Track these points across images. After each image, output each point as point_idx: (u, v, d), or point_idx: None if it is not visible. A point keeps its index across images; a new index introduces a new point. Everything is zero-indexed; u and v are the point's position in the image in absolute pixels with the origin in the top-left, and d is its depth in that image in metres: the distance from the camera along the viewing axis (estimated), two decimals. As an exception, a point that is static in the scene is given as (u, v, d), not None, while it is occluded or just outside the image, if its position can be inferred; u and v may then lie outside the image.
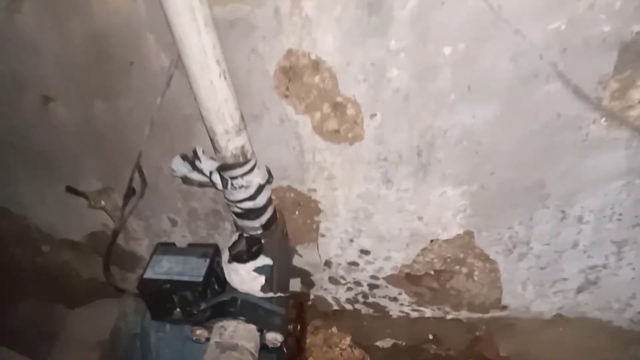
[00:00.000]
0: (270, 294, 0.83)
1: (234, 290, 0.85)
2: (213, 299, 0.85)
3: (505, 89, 0.72)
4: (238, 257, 0.84)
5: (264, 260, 0.86)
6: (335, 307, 1.21)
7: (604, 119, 0.73)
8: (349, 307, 1.19)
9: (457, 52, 0.69)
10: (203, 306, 0.88)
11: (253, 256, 0.84)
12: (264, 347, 0.82)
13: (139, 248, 1.18)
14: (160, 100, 0.79)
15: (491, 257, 0.98)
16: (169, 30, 0.65)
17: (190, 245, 0.98)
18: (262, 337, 0.80)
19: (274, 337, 0.79)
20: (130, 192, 0.89)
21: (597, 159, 0.77)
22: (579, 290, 1.00)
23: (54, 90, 0.88)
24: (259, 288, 0.82)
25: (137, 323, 1.00)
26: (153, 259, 0.94)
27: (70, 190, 0.93)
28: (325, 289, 1.16)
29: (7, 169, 1.06)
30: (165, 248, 0.96)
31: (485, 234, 0.94)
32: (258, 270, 0.84)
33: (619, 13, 0.62)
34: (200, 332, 0.81)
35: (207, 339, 0.82)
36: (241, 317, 0.79)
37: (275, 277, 0.88)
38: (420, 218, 0.94)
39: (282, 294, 0.87)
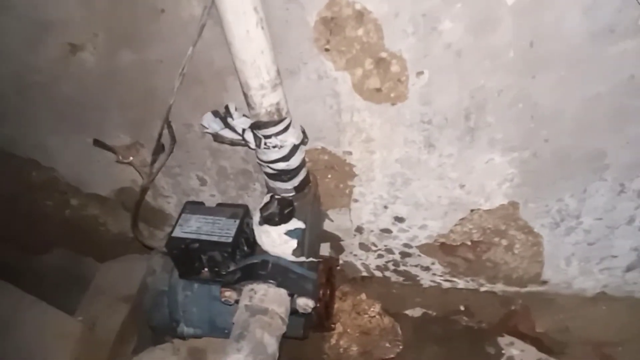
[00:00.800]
0: (302, 259, 0.80)
1: (264, 252, 0.82)
2: (243, 261, 0.82)
3: (573, 46, 0.64)
4: (270, 219, 0.80)
5: (296, 224, 0.82)
6: (364, 274, 1.18)
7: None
8: (378, 274, 1.16)
9: (522, 1, 0.62)
10: (232, 267, 0.85)
11: (285, 219, 0.81)
12: (293, 312, 0.79)
13: (167, 206, 1.16)
14: (192, 50, 0.74)
15: (535, 229, 0.92)
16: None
17: (219, 204, 0.95)
18: (292, 302, 0.78)
19: (305, 303, 0.77)
20: (159, 148, 0.86)
21: (668, 128, 0.70)
22: (629, 268, 0.94)
23: (81, 38, 0.83)
24: (291, 252, 0.79)
25: (165, 280, 0.98)
26: (182, 217, 0.91)
27: (98, 143, 0.90)
28: (355, 255, 1.13)
29: (34, 120, 1.03)
30: (194, 207, 0.93)
31: (531, 206, 0.88)
32: (290, 233, 0.81)
33: None
34: (229, 294, 0.79)
35: (236, 301, 0.80)
36: (271, 281, 0.76)
37: (306, 241, 0.84)
38: (462, 186, 0.88)
39: (313, 259, 0.84)
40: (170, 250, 0.89)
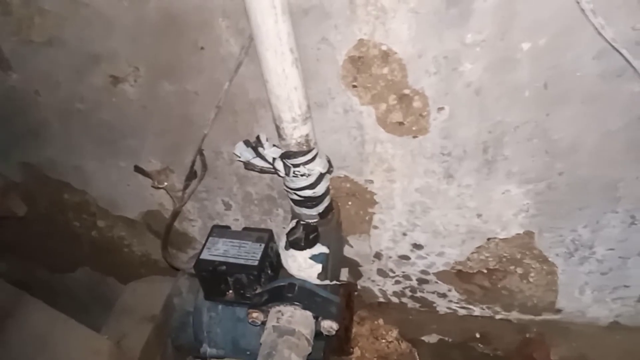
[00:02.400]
0: (327, 282, 0.84)
1: (289, 276, 0.86)
2: (270, 284, 0.86)
3: (585, 88, 0.69)
4: (296, 244, 0.84)
5: (320, 249, 0.86)
6: (382, 299, 1.21)
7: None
8: (395, 300, 1.19)
9: (537, 47, 0.67)
10: (258, 290, 0.89)
11: (310, 244, 0.85)
12: (317, 335, 0.83)
13: (191, 229, 1.21)
14: (228, 85, 0.80)
15: (550, 259, 0.95)
16: (246, 15, 0.65)
17: (245, 229, 0.99)
18: (317, 324, 0.81)
19: (330, 325, 0.80)
20: (192, 175, 0.91)
21: (677, 163, 0.74)
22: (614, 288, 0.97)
23: (125, 69, 0.90)
24: (316, 275, 0.83)
25: (191, 301, 1.02)
26: (209, 240, 0.96)
27: (138, 169, 0.95)
28: (373, 281, 1.16)
29: (72, 144, 1.09)
30: (221, 230, 0.98)
31: (546, 235, 0.91)
32: (314, 257, 0.85)
33: None
34: (256, 315, 0.82)
35: (263, 323, 0.83)
36: (298, 303, 0.80)
37: (329, 266, 0.88)
38: (479, 215, 0.92)
39: (336, 282, 0.87)
40: (198, 272, 0.94)
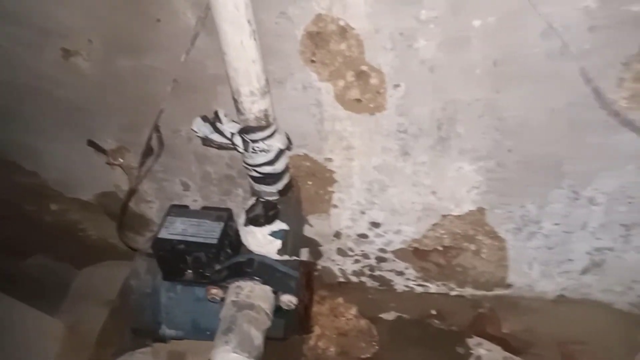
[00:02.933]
0: (286, 257, 0.85)
1: (249, 252, 0.86)
2: (229, 260, 0.86)
3: (531, 67, 0.72)
4: (255, 221, 0.85)
5: (280, 225, 0.87)
6: (341, 279, 1.23)
7: (625, 100, 0.74)
8: (354, 279, 1.21)
9: (487, 25, 0.69)
10: (217, 267, 0.89)
11: (270, 220, 0.85)
12: (277, 310, 0.83)
13: (149, 211, 1.19)
14: (185, 58, 0.79)
15: (500, 235, 1.00)
16: (203, -15, 0.65)
17: (204, 208, 0.98)
18: (276, 299, 0.82)
19: (289, 299, 0.81)
20: (148, 151, 0.90)
21: (615, 139, 0.78)
22: (584, 271, 1.02)
23: (78, 44, 0.87)
24: (276, 251, 0.84)
25: (149, 282, 1.00)
26: (167, 219, 0.94)
27: (91, 144, 0.93)
28: (333, 260, 1.18)
29: (23, 123, 1.05)
30: (179, 210, 0.96)
31: (497, 212, 0.95)
32: (274, 234, 0.85)
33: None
34: (215, 292, 0.82)
35: (222, 299, 0.83)
36: (257, 278, 0.80)
37: (289, 243, 0.89)
38: (434, 192, 0.95)
39: (296, 258, 0.88)
40: (156, 251, 0.92)
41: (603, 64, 0.70)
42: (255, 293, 0.79)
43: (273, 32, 0.77)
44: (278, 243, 0.84)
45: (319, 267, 1.20)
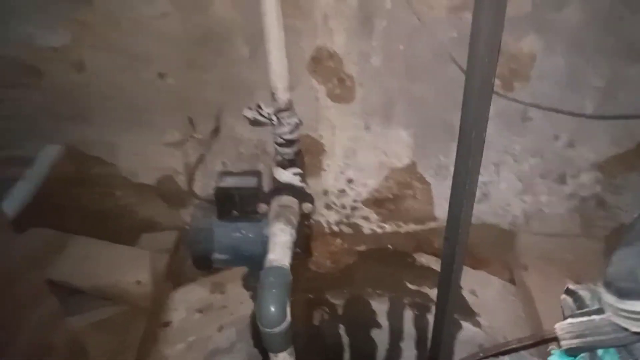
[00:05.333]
0: (303, 184, 1.42)
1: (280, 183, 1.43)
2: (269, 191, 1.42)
3: (429, 69, 1.39)
4: (284, 165, 1.42)
5: (296, 170, 1.45)
6: (327, 231, 1.79)
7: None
8: (336, 228, 1.78)
9: (408, 48, 1.36)
10: (255, 205, 1.44)
11: (291, 165, 1.43)
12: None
13: (195, 189, 1.71)
14: (240, 75, 1.39)
15: (427, 179, 1.62)
16: (263, 30, 1.26)
17: (243, 171, 1.54)
18: (299, 207, 1.38)
19: (307, 206, 1.37)
20: (216, 129, 1.46)
21: (479, 109, 1.45)
22: (478, 201, 1.66)
23: (168, 67, 1.44)
24: (298, 181, 1.41)
25: (206, 221, 1.52)
26: (221, 177, 1.50)
27: (190, 120, 1.48)
28: (322, 214, 1.75)
29: (112, 126, 1.58)
30: (227, 172, 1.52)
31: (423, 162, 1.58)
32: (295, 174, 1.43)
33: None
34: (263, 206, 1.37)
35: (265, 215, 1.38)
36: (288, 193, 1.37)
37: (302, 180, 1.46)
38: (385, 153, 1.57)
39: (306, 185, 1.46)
40: (216, 196, 1.46)
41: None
42: (288, 200, 1.35)
43: (294, 55, 1.39)
44: (298, 176, 1.41)
45: (312, 221, 1.76)
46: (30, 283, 0.80)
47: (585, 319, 0.54)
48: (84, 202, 1.76)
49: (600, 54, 1.33)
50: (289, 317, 1.13)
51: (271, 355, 1.18)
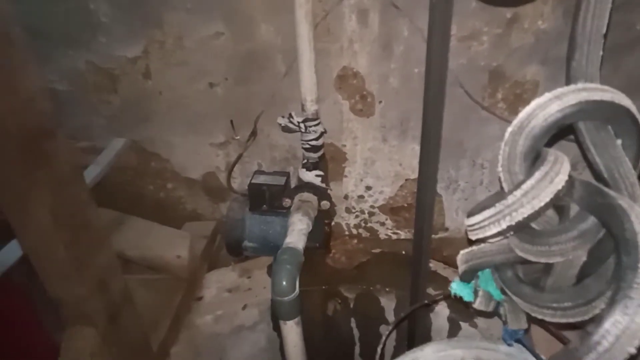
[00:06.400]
0: (323, 185, 1.63)
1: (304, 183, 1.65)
2: (294, 188, 1.64)
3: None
4: (308, 167, 1.64)
5: (318, 172, 1.66)
6: (347, 233, 1.98)
7: (483, 110, 1.59)
8: (354, 231, 1.96)
9: (422, 70, 1.56)
10: (282, 201, 1.66)
11: (314, 167, 1.65)
12: (318, 212, 1.60)
13: (233, 185, 1.96)
14: (277, 88, 1.64)
15: (438, 191, 1.79)
16: (296, 51, 1.50)
17: (274, 171, 1.78)
18: (318, 203, 1.58)
19: (325, 203, 1.58)
20: (254, 133, 1.71)
21: (488, 128, 1.62)
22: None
23: (218, 79, 1.72)
24: (319, 182, 1.62)
25: (240, 213, 1.75)
26: (254, 176, 1.73)
27: (231, 123, 1.74)
28: (342, 217, 1.94)
29: (170, 127, 1.86)
30: (261, 171, 1.76)
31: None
32: (317, 174, 1.64)
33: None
34: (288, 201, 1.59)
35: (289, 208, 1.60)
36: (309, 191, 1.58)
37: (324, 181, 1.68)
38: (400, 164, 1.76)
39: (326, 186, 1.67)
40: (250, 190, 1.70)
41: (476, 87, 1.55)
42: (309, 197, 1.56)
43: (322, 72, 1.62)
44: (319, 178, 1.63)
45: (333, 223, 1.96)
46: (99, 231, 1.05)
47: (474, 247, 0.74)
48: (141, 190, 2.05)
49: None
50: (297, 290, 1.34)
51: (281, 322, 1.38)
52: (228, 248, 1.83)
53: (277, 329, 1.85)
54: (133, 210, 1.93)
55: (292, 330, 1.34)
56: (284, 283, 1.30)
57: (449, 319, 1.68)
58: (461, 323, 1.66)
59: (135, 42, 1.68)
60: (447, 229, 1.87)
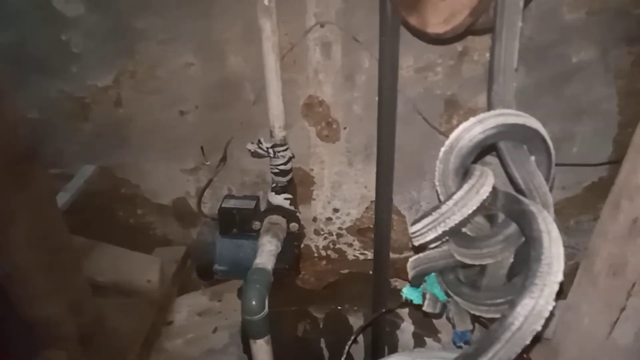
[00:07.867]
0: (292, 207, 1.69)
1: (273, 206, 1.71)
2: (263, 211, 1.69)
3: (400, 118, 1.68)
4: (277, 191, 1.70)
5: (287, 195, 1.72)
6: (316, 255, 2.03)
7: (441, 135, 1.69)
8: (323, 253, 2.02)
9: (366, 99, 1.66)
10: (252, 224, 1.71)
11: (284, 191, 1.71)
12: (286, 238, 1.65)
13: (204, 209, 2.00)
14: (247, 115, 1.71)
15: (402, 212, 1.88)
16: (264, 80, 1.58)
17: (244, 195, 1.83)
18: (287, 225, 1.64)
19: (294, 225, 1.64)
20: (224, 158, 1.76)
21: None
22: (447, 233, 1.89)
23: (189, 107, 1.78)
24: (288, 204, 1.68)
25: (210, 236, 1.79)
26: (225, 200, 1.78)
27: (202, 149, 1.79)
28: (311, 239, 2.00)
29: (141, 154, 1.90)
30: (231, 196, 1.81)
31: (398, 197, 1.84)
32: (286, 197, 1.70)
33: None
34: (257, 223, 1.64)
35: (258, 231, 1.65)
36: (278, 214, 1.64)
37: (293, 204, 1.74)
38: (365, 186, 1.84)
39: (294, 209, 1.73)
40: (220, 215, 1.74)
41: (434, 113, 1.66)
42: (278, 219, 1.62)
43: (289, 101, 1.70)
44: (288, 201, 1.69)
45: (302, 245, 2.01)
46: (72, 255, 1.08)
47: (420, 254, 0.82)
48: (111, 216, 2.06)
49: (548, 113, 1.60)
50: (266, 309, 1.38)
51: (251, 341, 1.42)
52: (198, 272, 1.86)
53: (247, 351, 1.86)
54: (104, 235, 1.94)
55: (261, 349, 1.38)
56: (254, 302, 1.35)
57: (414, 335, 1.74)
58: (426, 338, 1.72)
59: (107, 71, 1.73)
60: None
